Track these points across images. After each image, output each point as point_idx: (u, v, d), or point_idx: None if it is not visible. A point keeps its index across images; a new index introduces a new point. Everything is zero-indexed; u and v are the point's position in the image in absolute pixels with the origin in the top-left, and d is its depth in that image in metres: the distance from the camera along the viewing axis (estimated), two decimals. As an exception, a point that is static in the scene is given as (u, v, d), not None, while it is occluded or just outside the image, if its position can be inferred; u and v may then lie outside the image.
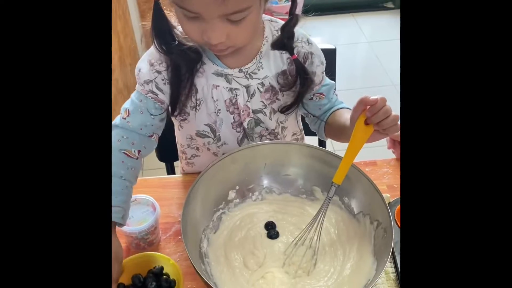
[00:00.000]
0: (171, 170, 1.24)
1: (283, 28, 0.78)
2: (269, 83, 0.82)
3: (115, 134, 0.76)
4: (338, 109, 0.88)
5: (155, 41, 0.75)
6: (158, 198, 0.81)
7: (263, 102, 0.83)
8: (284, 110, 0.85)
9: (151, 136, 0.80)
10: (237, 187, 0.81)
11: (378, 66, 2.53)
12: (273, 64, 0.81)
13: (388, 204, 0.72)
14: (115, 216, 0.69)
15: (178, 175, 0.97)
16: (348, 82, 2.25)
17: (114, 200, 0.70)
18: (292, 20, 0.76)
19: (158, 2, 0.72)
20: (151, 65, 0.78)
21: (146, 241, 0.78)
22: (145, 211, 0.78)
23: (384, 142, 0.96)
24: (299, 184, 0.82)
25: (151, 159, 1.86)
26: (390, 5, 2.92)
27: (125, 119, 0.77)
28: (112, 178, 0.71)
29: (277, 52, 0.81)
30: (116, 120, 0.78)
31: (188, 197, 0.71)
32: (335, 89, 0.91)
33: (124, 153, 0.76)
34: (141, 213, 0.78)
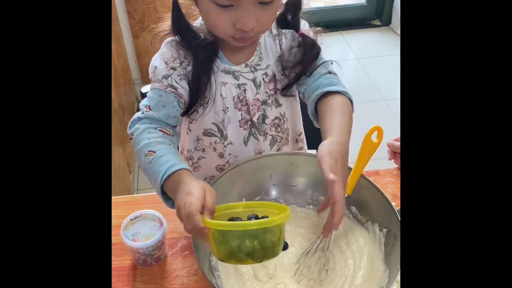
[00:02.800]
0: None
1: (287, 4, 0.80)
2: (272, 72, 0.84)
3: (142, 123, 0.76)
4: (326, 92, 0.79)
5: (177, 39, 0.77)
6: (163, 214, 0.80)
7: (267, 93, 0.85)
8: (288, 86, 0.85)
9: (176, 126, 0.79)
10: (244, 200, 0.80)
11: (368, 82, 2.57)
12: (270, 52, 0.84)
13: (396, 211, 0.72)
14: (185, 165, 0.68)
15: (181, 191, 0.96)
16: (340, 98, 2.28)
17: (177, 158, 0.70)
18: None
19: (177, 2, 0.74)
20: (165, 63, 0.79)
21: (153, 257, 0.77)
22: (152, 226, 0.77)
23: (385, 154, 0.98)
24: (306, 194, 0.82)
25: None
26: (377, 22, 2.98)
27: (148, 112, 0.77)
28: (161, 144, 0.72)
29: (270, 39, 0.84)
30: (136, 115, 0.78)
31: (196, 210, 0.70)
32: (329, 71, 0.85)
33: (160, 130, 0.75)
34: (148, 229, 0.77)
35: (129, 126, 0.78)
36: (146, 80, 2.28)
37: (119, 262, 0.79)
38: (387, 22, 2.94)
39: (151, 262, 0.78)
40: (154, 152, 0.70)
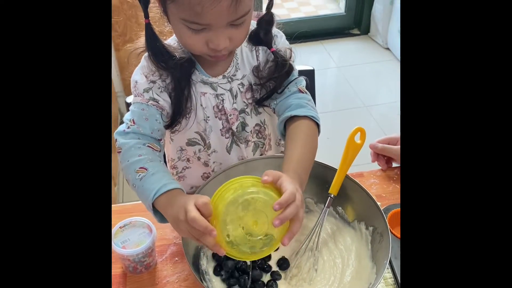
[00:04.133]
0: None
1: (259, 22, 0.81)
2: (248, 82, 0.85)
3: (130, 138, 0.76)
4: (294, 116, 0.80)
5: (153, 60, 0.78)
6: (152, 221, 0.80)
7: (244, 102, 0.86)
8: (261, 101, 0.86)
9: (160, 140, 0.80)
10: (232, 204, 0.81)
11: (349, 89, 2.61)
12: (246, 62, 0.85)
13: (380, 210, 0.74)
14: (178, 184, 0.70)
15: (169, 198, 0.96)
16: (321, 106, 2.30)
17: (169, 176, 0.72)
18: (267, 15, 0.80)
19: (150, 24, 0.75)
20: (145, 76, 0.79)
21: (143, 264, 0.77)
22: (142, 233, 0.77)
23: (369, 159, 1.00)
24: (293, 197, 0.83)
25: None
26: (356, 31, 3.05)
27: (133, 126, 0.77)
28: (153, 162, 0.73)
29: (247, 50, 0.85)
30: (121, 128, 0.78)
31: (185, 215, 0.71)
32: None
33: (148, 146, 0.76)
34: (138, 236, 0.77)
35: (115, 139, 0.78)
36: (129, 93, 2.27)
37: (109, 270, 0.79)
38: (365, 31, 3.01)
39: (141, 269, 0.78)
40: (146, 169, 0.71)
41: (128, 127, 0.77)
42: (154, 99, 0.79)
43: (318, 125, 0.81)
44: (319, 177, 0.81)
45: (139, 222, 0.79)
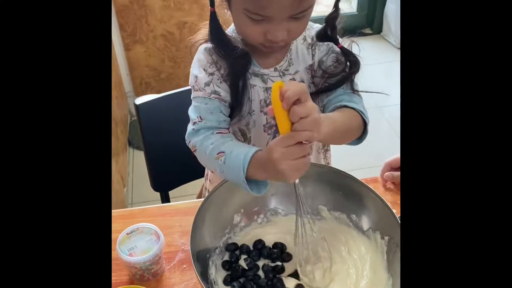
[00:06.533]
0: (166, 200, 1.21)
1: (327, 20, 0.82)
2: (300, 79, 0.85)
3: (200, 134, 0.78)
4: (342, 106, 0.82)
5: (213, 49, 0.79)
6: (160, 227, 0.78)
7: None
8: (318, 92, 0.86)
9: (228, 128, 0.82)
10: (242, 210, 0.79)
11: (361, 89, 2.58)
12: (301, 59, 0.85)
13: (396, 218, 0.71)
14: (256, 148, 0.70)
15: (177, 203, 0.94)
16: (333, 106, 2.28)
17: (245, 147, 0.72)
18: (335, 12, 0.80)
19: (215, 13, 0.76)
20: (204, 70, 0.80)
21: (150, 272, 0.75)
22: (149, 240, 0.75)
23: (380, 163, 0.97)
24: (305, 204, 0.81)
25: (143, 192, 1.81)
26: (368, 31, 3.01)
27: (201, 122, 0.79)
28: (226, 143, 0.74)
29: (303, 47, 0.84)
30: (190, 128, 0.80)
31: (194, 224, 0.69)
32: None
33: (217, 133, 0.78)
34: (145, 243, 0.75)
35: (188, 140, 0.80)
36: (138, 93, 2.27)
37: (115, 278, 0.77)
38: (378, 30, 2.97)
39: (148, 277, 0.76)
40: (223, 152, 0.72)
41: (195, 123, 0.79)
42: (215, 92, 0.80)
43: (365, 122, 0.81)
44: (332, 183, 0.78)
45: (147, 228, 0.77)
